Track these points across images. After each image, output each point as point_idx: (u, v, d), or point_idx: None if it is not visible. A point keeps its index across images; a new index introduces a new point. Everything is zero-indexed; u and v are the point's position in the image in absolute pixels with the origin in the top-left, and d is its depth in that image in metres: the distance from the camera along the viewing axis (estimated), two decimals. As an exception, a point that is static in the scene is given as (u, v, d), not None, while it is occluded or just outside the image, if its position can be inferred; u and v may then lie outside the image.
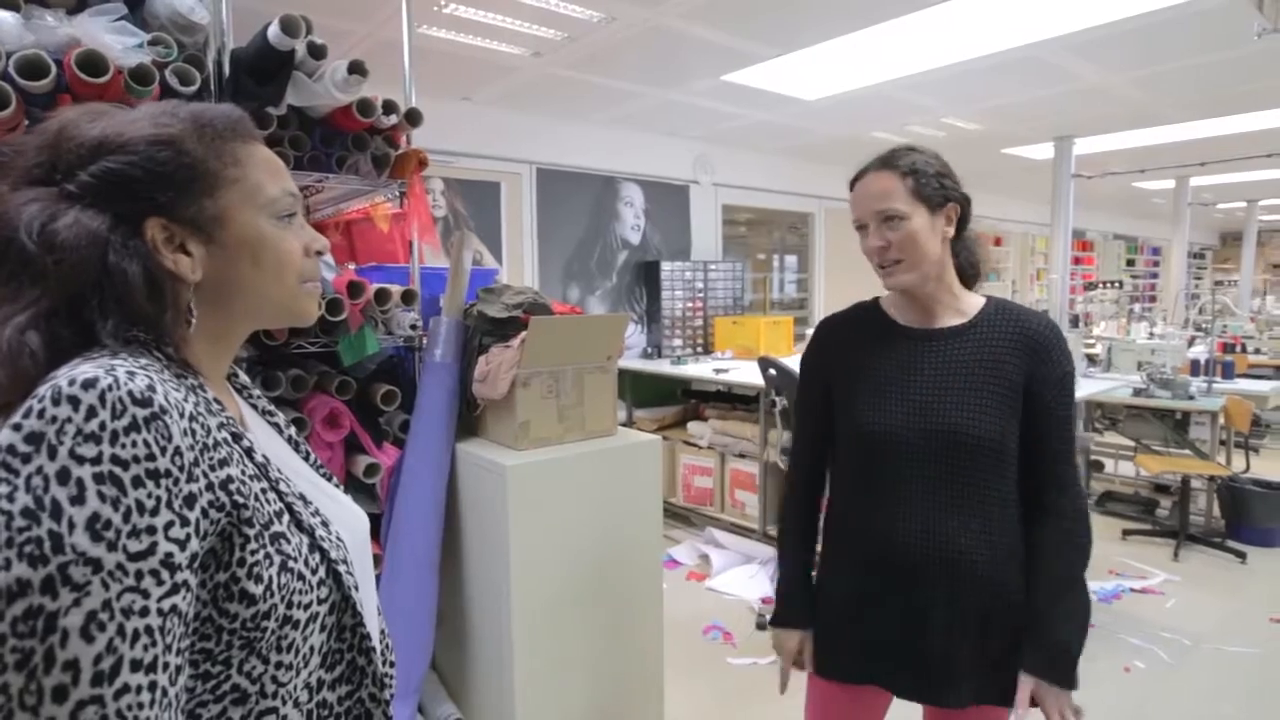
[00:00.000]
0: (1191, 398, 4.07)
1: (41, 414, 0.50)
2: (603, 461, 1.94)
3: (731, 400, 4.34)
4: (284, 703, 0.61)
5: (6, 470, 0.49)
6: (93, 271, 0.57)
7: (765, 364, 3.34)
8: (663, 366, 4.65)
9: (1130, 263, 11.59)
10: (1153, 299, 11.19)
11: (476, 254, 4.36)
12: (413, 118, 2.02)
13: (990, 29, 3.28)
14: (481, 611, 1.93)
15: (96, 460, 0.49)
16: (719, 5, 2.92)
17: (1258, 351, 6.26)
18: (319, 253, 0.72)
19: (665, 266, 5.11)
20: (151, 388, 0.53)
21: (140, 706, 0.49)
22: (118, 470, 0.50)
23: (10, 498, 0.48)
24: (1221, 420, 4.04)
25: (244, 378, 0.81)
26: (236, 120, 0.67)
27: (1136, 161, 6.48)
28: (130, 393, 0.51)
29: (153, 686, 0.50)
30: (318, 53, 1.75)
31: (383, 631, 0.81)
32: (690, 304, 5.23)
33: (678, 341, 5.17)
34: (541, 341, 1.86)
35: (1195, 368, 4.64)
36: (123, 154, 0.60)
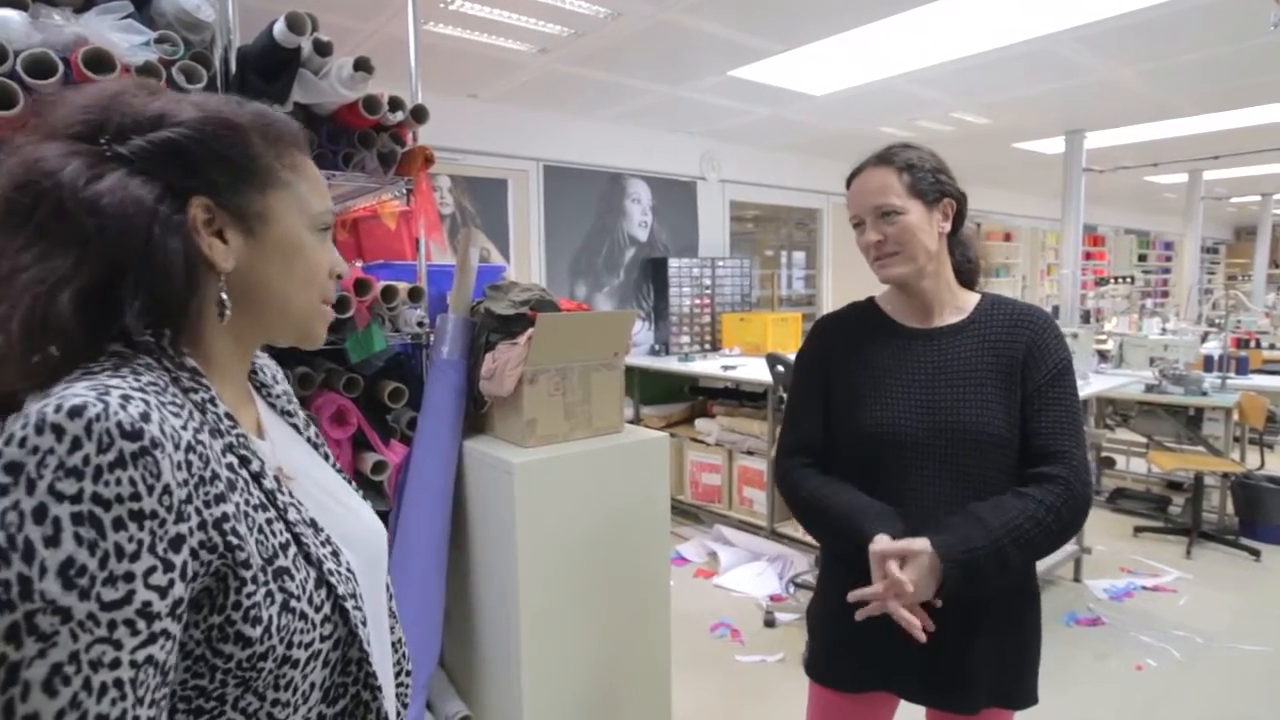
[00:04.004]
0: (1205, 394, 4.02)
1: (23, 442, 0.46)
2: (610, 459, 1.93)
3: (739, 397, 4.33)
4: None
5: None
6: (136, 243, 0.54)
7: (773, 361, 3.33)
8: (670, 363, 4.64)
9: (1142, 258, 11.49)
10: (1165, 294, 11.12)
11: (483, 251, 4.36)
12: (419, 115, 2.01)
13: (999, 22, 3.25)
14: (489, 609, 1.93)
15: (76, 498, 0.46)
16: (725, 0, 2.90)
17: (1272, 347, 6.18)
18: (339, 276, 0.71)
19: (673, 263, 5.10)
20: (145, 415, 0.49)
21: None
22: (98, 510, 0.46)
23: None
24: (1235, 416, 4.00)
25: (264, 375, 0.79)
26: (297, 130, 0.67)
27: (1148, 155, 6.42)
28: (120, 424, 0.48)
29: None
30: (324, 50, 1.75)
31: (399, 640, 0.79)
32: (698, 301, 5.22)
33: (685, 338, 5.16)
34: (548, 339, 1.85)
35: (1208, 363, 4.59)
36: (185, 128, 0.58)
